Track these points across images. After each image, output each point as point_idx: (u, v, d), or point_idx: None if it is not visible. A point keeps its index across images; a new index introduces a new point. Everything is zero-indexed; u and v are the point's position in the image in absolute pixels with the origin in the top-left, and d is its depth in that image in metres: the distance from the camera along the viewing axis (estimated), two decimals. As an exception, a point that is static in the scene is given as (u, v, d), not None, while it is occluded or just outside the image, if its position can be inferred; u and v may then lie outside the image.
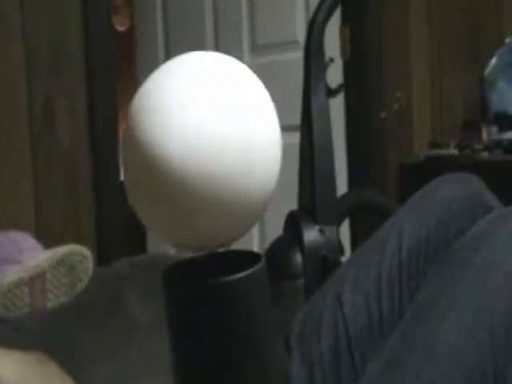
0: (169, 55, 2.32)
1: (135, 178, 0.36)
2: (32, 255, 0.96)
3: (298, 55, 1.63)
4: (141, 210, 0.37)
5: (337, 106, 1.89)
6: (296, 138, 1.39)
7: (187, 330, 0.39)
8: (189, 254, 0.40)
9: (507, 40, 2.12)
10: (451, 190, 0.86)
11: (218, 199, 0.35)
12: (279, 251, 1.28)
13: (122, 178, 2.47)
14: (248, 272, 0.37)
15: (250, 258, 0.40)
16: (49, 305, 0.92)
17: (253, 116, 0.36)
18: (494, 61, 2.11)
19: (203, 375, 0.39)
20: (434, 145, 2.10)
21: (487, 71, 2.13)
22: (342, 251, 1.32)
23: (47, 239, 1.29)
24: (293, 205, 1.39)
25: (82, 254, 0.97)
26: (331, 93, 1.52)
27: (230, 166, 0.34)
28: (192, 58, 0.39)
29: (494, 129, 2.00)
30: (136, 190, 0.36)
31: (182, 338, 0.39)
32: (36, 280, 0.92)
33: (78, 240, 1.20)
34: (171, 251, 2.29)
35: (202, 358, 0.38)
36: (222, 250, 0.40)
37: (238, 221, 0.37)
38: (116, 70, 1.84)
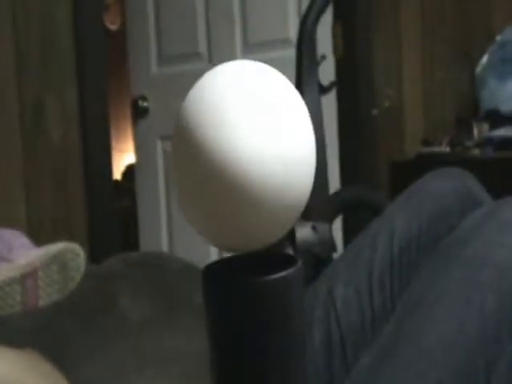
0: (161, 54, 2.31)
1: (189, 181, 0.37)
2: (23, 253, 0.96)
3: (290, 53, 1.63)
4: (190, 213, 0.38)
5: (329, 104, 1.89)
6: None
7: (228, 330, 0.39)
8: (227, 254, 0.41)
9: (498, 37, 2.13)
10: (442, 185, 0.87)
11: (264, 204, 0.36)
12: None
13: (114, 178, 2.47)
14: (291, 271, 0.38)
15: (280, 259, 0.41)
16: (41, 303, 0.92)
17: (296, 132, 0.38)
18: (485, 58, 2.12)
19: (242, 373, 0.39)
20: (425, 142, 2.11)
21: (478, 69, 2.14)
22: (334, 248, 1.32)
23: (39, 238, 1.28)
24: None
25: (74, 251, 0.96)
26: (323, 90, 1.53)
27: (275, 176, 0.36)
28: (241, 70, 0.41)
29: (486, 126, 2.01)
30: (188, 192, 0.37)
31: (223, 337, 0.40)
32: (28, 278, 0.91)
33: (69, 238, 1.20)
34: (163, 249, 2.29)
35: (242, 355, 0.39)
36: (257, 250, 0.41)
37: (278, 224, 0.39)
38: (107, 69, 1.84)
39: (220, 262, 0.41)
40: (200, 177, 0.36)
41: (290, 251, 1.17)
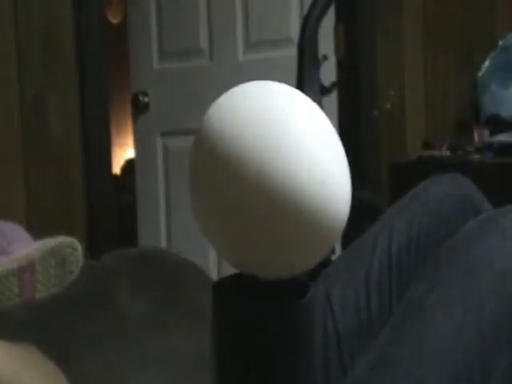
0: (162, 49, 2.31)
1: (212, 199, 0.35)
2: (22, 246, 0.96)
3: (291, 52, 1.63)
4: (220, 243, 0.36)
5: (330, 104, 1.89)
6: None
7: (237, 354, 0.37)
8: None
9: (500, 42, 2.13)
10: (442, 190, 0.87)
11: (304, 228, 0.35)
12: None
13: (114, 172, 2.46)
14: (310, 295, 0.37)
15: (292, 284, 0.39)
16: (38, 296, 0.92)
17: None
18: (486, 63, 2.12)
19: None
20: (426, 145, 2.11)
21: (480, 73, 2.14)
22: (332, 250, 1.32)
23: (39, 233, 1.28)
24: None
25: (72, 245, 0.96)
26: (324, 91, 1.53)
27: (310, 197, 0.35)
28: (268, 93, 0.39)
29: (486, 131, 2.01)
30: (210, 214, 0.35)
31: (230, 362, 0.38)
32: (26, 271, 0.91)
33: (69, 233, 1.20)
34: (162, 244, 2.29)
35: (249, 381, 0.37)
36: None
37: (315, 250, 0.37)
38: (108, 66, 1.84)
39: (230, 278, 0.39)
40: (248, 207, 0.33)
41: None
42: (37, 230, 1.54)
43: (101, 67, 1.79)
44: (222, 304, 0.37)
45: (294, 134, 0.34)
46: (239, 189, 0.33)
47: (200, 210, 0.35)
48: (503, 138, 1.94)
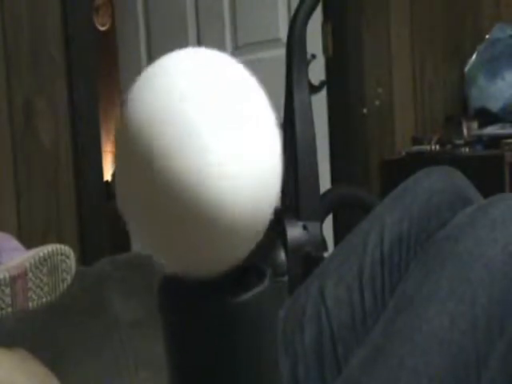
0: (151, 55, 2.30)
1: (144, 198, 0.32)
2: (13, 256, 0.95)
3: (280, 53, 1.63)
4: (143, 237, 0.34)
5: (319, 103, 1.90)
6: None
7: (190, 357, 0.34)
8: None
9: (487, 36, 2.14)
10: (432, 183, 0.87)
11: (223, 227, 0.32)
12: (262, 248, 1.27)
13: (105, 178, 2.45)
14: (260, 289, 0.33)
15: (247, 272, 0.35)
16: (31, 305, 0.91)
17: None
18: (474, 57, 2.13)
19: None
20: (415, 140, 2.11)
21: (467, 67, 2.15)
22: (325, 247, 1.32)
23: (29, 240, 1.28)
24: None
25: (64, 253, 0.96)
26: (313, 89, 1.53)
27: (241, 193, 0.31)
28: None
29: (475, 124, 2.02)
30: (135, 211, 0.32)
31: (184, 365, 0.35)
32: (18, 280, 0.91)
33: (60, 240, 1.19)
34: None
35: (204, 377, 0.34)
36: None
37: (242, 244, 0.33)
38: (97, 70, 1.83)
39: (174, 278, 0.35)
40: (158, 198, 0.30)
41: (281, 253, 1.16)
42: (27, 236, 1.53)
43: (90, 71, 1.79)
44: (161, 306, 0.35)
45: (197, 126, 0.30)
46: (149, 186, 0.30)
47: (121, 201, 0.33)
48: (491, 130, 1.95)
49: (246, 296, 0.33)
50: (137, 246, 2.35)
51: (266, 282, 0.34)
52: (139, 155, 0.30)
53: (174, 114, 0.30)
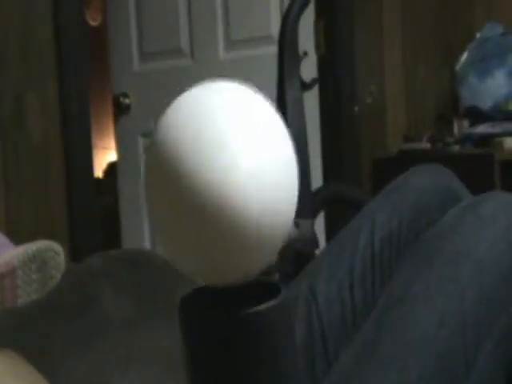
0: (142, 50, 2.29)
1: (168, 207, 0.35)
2: (1, 252, 0.94)
3: (272, 50, 1.63)
4: (169, 247, 0.36)
5: (311, 100, 1.89)
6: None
7: (209, 369, 0.36)
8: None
9: (478, 35, 2.15)
10: (422, 182, 0.87)
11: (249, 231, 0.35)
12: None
13: (96, 175, 2.44)
14: (276, 301, 0.35)
15: (263, 288, 0.38)
16: (20, 302, 0.91)
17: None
18: (465, 56, 2.14)
19: None
20: (406, 138, 2.12)
21: (458, 66, 2.15)
22: (316, 244, 1.33)
23: (18, 237, 1.27)
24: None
25: (53, 249, 0.95)
26: (305, 87, 1.53)
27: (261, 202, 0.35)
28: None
29: (466, 123, 2.03)
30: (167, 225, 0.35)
31: (203, 377, 0.37)
32: (6, 277, 0.90)
33: (50, 237, 1.18)
34: (145, 246, 2.28)
35: None
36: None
37: (263, 253, 0.36)
38: (88, 65, 1.82)
39: (198, 291, 0.38)
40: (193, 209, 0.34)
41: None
42: (16, 233, 1.52)
43: (80, 67, 1.78)
44: (183, 319, 0.37)
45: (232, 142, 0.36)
46: (181, 195, 0.34)
47: (152, 214, 0.36)
48: (482, 129, 1.96)
49: (263, 308, 0.35)
50: (127, 242, 2.34)
51: (282, 295, 0.37)
52: (171, 173, 0.35)
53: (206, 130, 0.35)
